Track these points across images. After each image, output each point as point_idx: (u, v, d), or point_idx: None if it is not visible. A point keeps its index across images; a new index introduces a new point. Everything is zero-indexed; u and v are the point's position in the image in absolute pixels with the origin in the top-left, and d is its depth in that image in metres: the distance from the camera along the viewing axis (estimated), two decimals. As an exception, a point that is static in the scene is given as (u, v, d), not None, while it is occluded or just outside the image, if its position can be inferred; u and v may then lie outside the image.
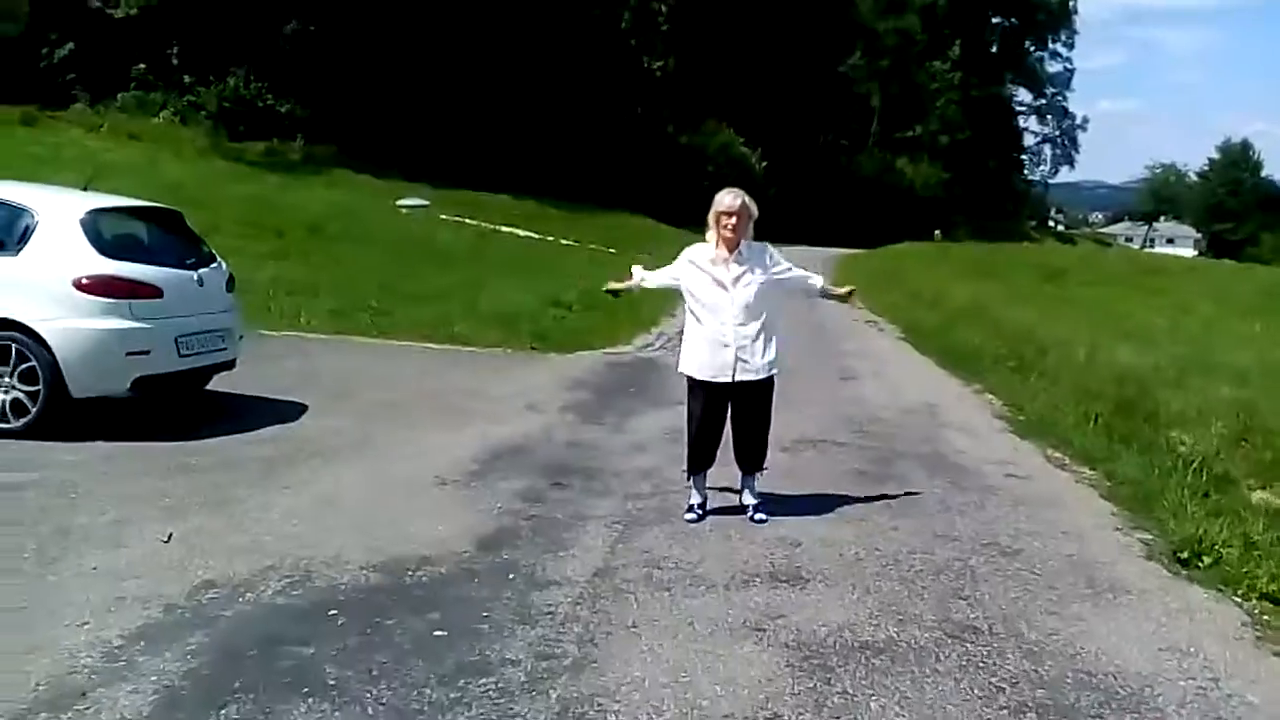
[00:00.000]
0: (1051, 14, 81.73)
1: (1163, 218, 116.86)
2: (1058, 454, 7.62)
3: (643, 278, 5.91)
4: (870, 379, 10.79)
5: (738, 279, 5.45)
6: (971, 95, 75.01)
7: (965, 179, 71.44)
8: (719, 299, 5.47)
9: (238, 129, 34.74)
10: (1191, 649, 4.21)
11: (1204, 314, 24.83)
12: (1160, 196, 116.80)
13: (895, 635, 4.17)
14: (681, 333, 5.98)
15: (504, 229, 28.59)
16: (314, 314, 12.68)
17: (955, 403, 9.62)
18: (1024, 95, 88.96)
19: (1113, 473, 6.95)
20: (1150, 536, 5.73)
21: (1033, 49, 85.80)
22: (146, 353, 6.82)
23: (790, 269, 5.70)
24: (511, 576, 4.66)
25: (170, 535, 5.00)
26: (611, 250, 29.23)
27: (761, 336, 5.48)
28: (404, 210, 27.08)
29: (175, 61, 37.31)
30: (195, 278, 7.30)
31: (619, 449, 7.16)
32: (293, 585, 4.46)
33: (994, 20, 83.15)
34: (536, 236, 28.74)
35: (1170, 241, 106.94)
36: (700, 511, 5.62)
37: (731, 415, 5.64)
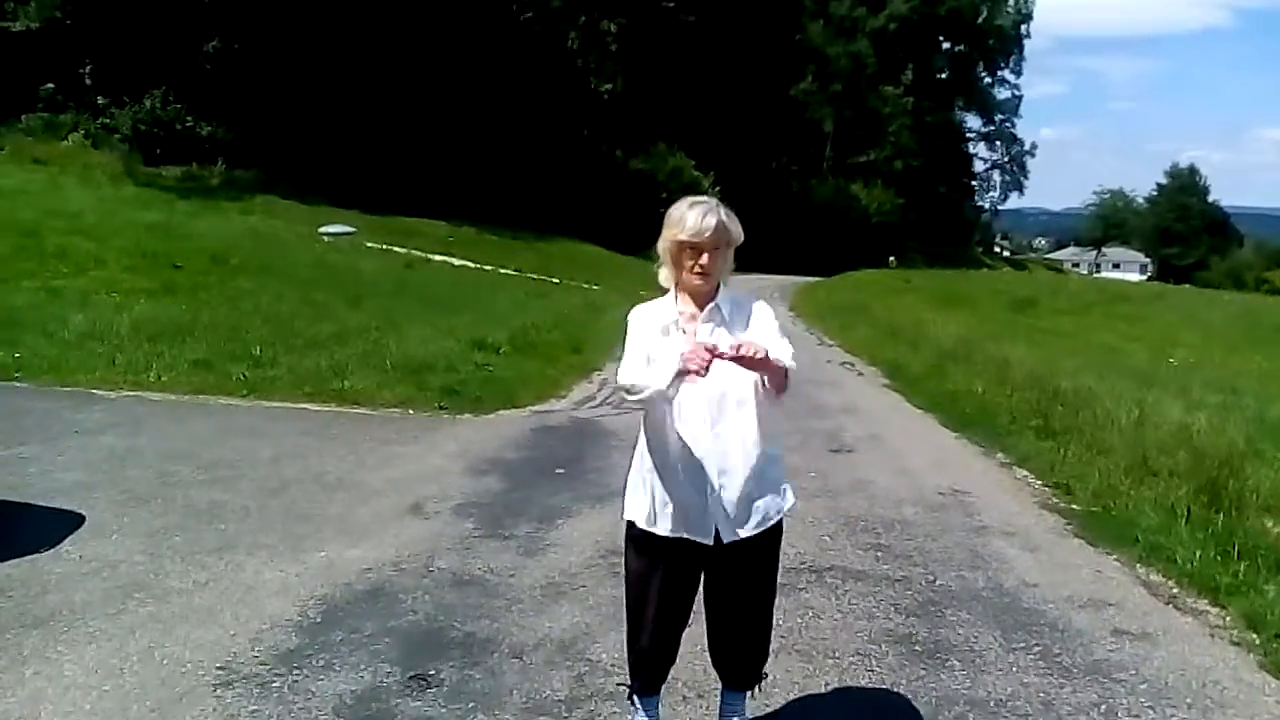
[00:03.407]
0: (1002, 38, 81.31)
1: (1109, 243, 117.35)
2: (1158, 577, 5.36)
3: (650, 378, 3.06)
4: (868, 449, 8.50)
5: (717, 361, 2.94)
6: (925, 121, 74.16)
7: (918, 205, 70.37)
8: (687, 399, 3.00)
9: (154, 152, 32.40)
10: None
11: (1193, 345, 23.19)
12: (1109, 222, 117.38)
13: None
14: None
15: (436, 258, 26.26)
16: (171, 367, 10.20)
17: (986, 486, 7.35)
18: (973, 121, 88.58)
19: (1255, 617, 4.71)
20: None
21: (983, 75, 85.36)
22: None
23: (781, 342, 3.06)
24: None
25: None
26: (554, 280, 27.01)
27: (758, 453, 3.04)
28: (326, 238, 24.69)
29: (88, 81, 34.94)
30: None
31: (528, 591, 4.79)
32: None
33: (944, 46, 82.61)
34: (472, 265, 26.43)
35: (1116, 266, 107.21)
36: (652, 764, 3.18)
37: (706, 593, 3.22)
